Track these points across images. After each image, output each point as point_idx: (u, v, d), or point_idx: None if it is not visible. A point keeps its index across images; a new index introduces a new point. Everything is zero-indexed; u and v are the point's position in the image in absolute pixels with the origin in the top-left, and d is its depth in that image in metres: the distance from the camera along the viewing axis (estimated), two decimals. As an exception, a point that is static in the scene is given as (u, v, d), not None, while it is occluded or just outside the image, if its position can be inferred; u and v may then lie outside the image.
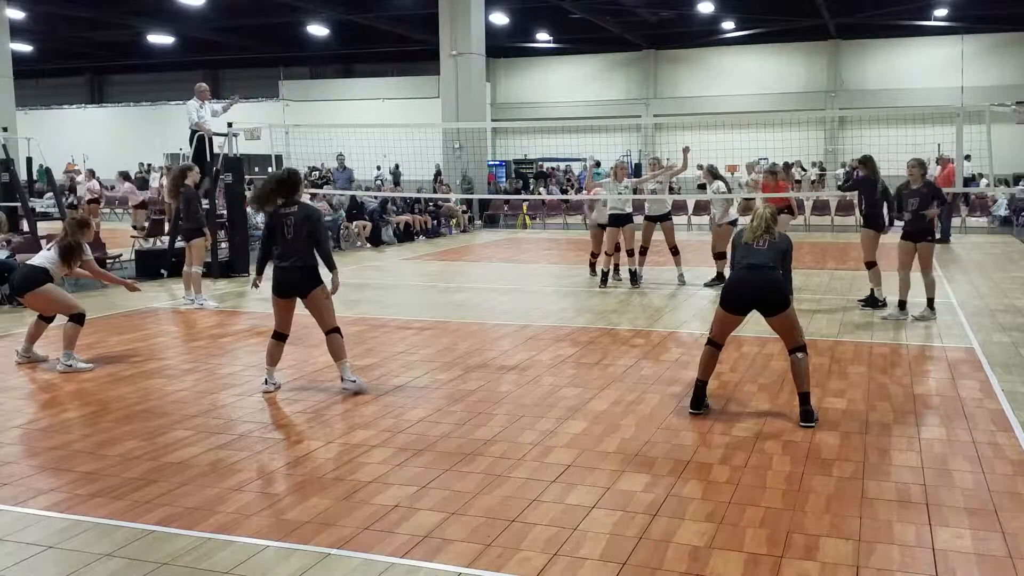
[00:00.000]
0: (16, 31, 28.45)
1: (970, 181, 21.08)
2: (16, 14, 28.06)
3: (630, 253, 12.30)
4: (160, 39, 36.95)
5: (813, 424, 5.80)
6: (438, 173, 32.86)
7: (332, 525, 4.31)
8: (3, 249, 11.47)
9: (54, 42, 39.09)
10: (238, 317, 10.50)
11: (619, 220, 12.09)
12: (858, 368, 7.42)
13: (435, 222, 21.67)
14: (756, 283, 6.04)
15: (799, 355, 5.92)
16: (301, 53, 41.70)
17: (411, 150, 22.89)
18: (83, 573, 3.87)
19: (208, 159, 13.98)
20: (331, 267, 6.68)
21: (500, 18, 31.20)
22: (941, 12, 31.72)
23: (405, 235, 20.01)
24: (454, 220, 22.63)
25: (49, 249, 7.94)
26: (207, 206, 14.10)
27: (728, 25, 35.12)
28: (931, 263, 9.58)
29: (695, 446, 5.45)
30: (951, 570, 3.83)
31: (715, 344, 6.18)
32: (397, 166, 33.64)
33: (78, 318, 7.64)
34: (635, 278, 12.19)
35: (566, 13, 32.12)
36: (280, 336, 6.80)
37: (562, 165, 36.07)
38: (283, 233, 6.56)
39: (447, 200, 22.69)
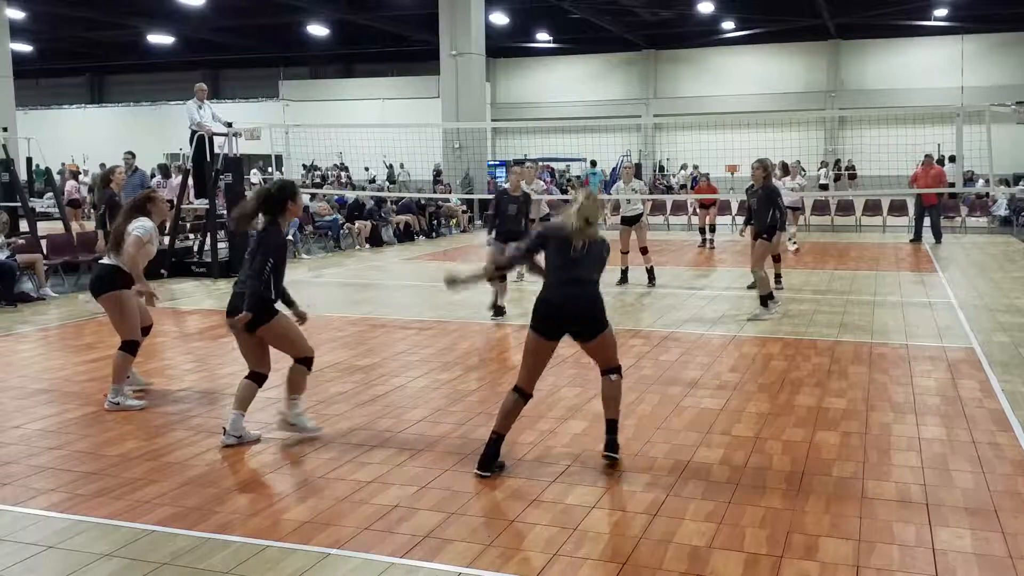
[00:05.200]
0: (16, 31, 28.45)
1: (967, 181, 21.13)
2: (16, 14, 28.05)
3: (643, 251, 12.38)
4: (160, 39, 36.95)
5: (618, 457, 5.08)
6: (438, 173, 32.87)
7: (332, 525, 4.31)
8: (3, 250, 11.47)
9: (54, 42, 39.09)
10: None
11: (628, 220, 12.45)
12: (858, 368, 7.42)
13: (435, 222, 21.67)
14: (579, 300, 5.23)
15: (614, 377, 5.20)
16: (301, 53, 41.72)
17: (411, 150, 22.90)
18: (83, 573, 3.87)
19: (208, 159, 13.98)
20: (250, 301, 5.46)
21: (500, 18, 31.20)
22: (941, 12, 31.72)
23: (405, 235, 20.01)
24: (454, 220, 22.62)
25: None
26: (207, 206, 14.11)
27: (728, 25, 35.12)
28: (761, 262, 9.90)
29: (695, 446, 5.45)
30: (951, 570, 3.83)
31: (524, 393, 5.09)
32: (394, 166, 33.71)
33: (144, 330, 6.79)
34: (651, 276, 12.33)
35: (566, 13, 32.12)
36: (255, 376, 5.65)
37: (561, 165, 36.07)
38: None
39: (447, 200, 22.69)
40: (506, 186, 14.30)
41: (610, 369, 5.25)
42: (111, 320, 6.65)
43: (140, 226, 6.50)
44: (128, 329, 6.50)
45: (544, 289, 5.29)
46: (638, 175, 33.59)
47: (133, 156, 15.82)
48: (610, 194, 14.11)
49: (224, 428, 5.59)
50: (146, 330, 6.86)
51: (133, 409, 6.38)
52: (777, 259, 12.26)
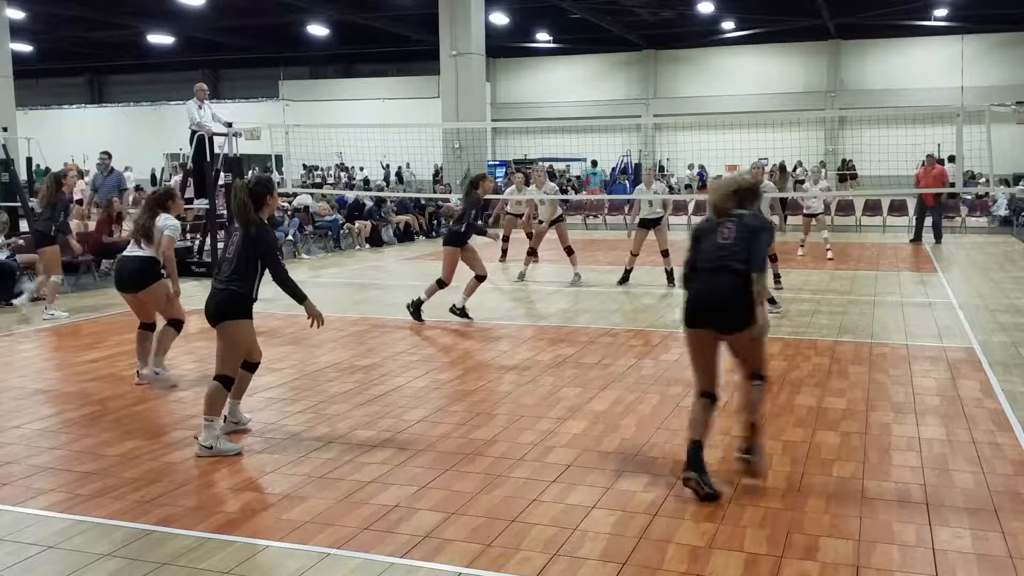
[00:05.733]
0: (16, 31, 28.44)
1: (967, 182, 21.11)
2: (16, 14, 28.06)
3: (664, 253, 12.40)
4: (160, 39, 36.97)
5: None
6: (437, 173, 32.86)
7: (332, 525, 4.31)
8: (3, 250, 11.47)
9: (54, 42, 39.10)
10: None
11: (648, 223, 12.52)
12: (858, 368, 7.41)
13: (435, 222, 21.66)
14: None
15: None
16: (301, 53, 41.75)
17: (411, 150, 22.90)
18: (83, 573, 3.87)
19: (208, 159, 13.97)
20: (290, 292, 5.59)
21: (500, 18, 31.21)
22: (941, 12, 31.73)
23: (405, 235, 20.01)
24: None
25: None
26: (207, 206, 14.10)
27: (728, 25, 35.14)
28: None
29: (695, 446, 5.44)
30: (951, 570, 3.83)
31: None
32: (401, 167, 33.71)
33: (178, 325, 7.21)
34: (671, 277, 12.34)
35: (566, 13, 32.14)
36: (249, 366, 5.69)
37: (561, 165, 36.09)
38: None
39: (447, 200, 22.69)
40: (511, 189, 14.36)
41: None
42: (156, 307, 7.16)
43: (172, 225, 7.03)
44: (177, 309, 7.18)
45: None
46: (638, 175, 33.75)
47: (109, 156, 15.57)
48: (609, 194, 14.11)
49: (224, 416, 5.61)
50: (178, 324, 7.28)
51: (167, 384, 6.98)
52: (774, 259, 12.24)
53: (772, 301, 9.63)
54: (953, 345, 8.27)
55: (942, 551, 3.99)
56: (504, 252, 15.16)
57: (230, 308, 5.37)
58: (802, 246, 15.29)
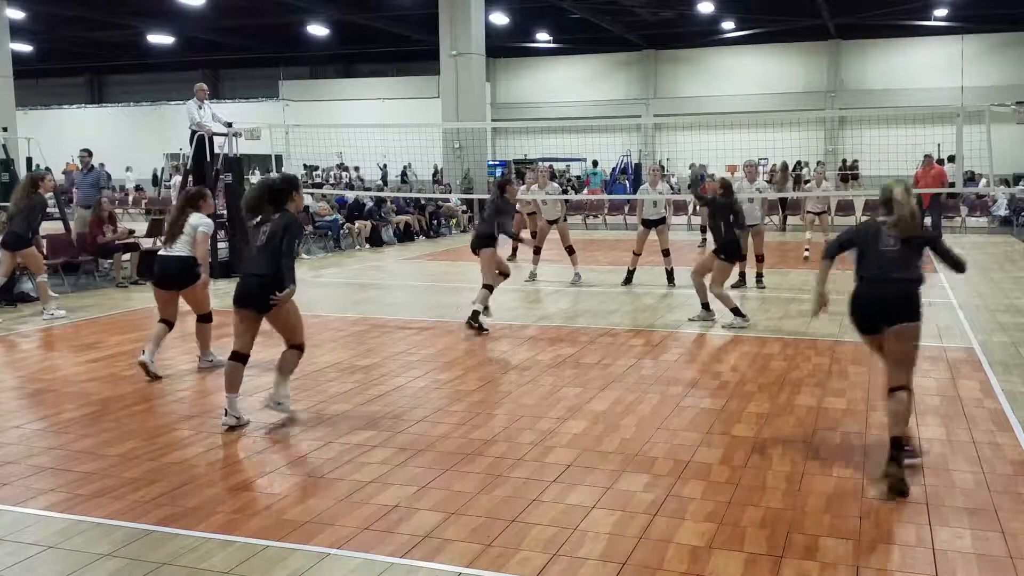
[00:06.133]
0: (16, 31, 28.41)
1: (967, 181, 21.10)
2: (16, 14, 28.04)
3: (665, 253, 12.40)
4: (160, 39, 36.95)
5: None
6: (435, 173, 32.81)
7: (332, 525, 4.31)
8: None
9: (54, 42, 39.08)
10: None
11: (650, 223, 12.52)
12: (858, 368, 7.41)
13: (435, 222, 21.66)
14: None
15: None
16: (301, 53, 41.73)
17: (411, 150, 22.88)
18: (83, 573, 3.87)
19: (208, 159, 13.97)
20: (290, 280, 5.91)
21: (500, 18, 31.20)
22: (941, 12, 31.71)
23: (405, 235, 20.01)
24: (454, 220, 22.63)
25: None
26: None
27: (728, 25, 35.13)
28: (720, 283, 9.33)
29: (695, 446, 5.45)
30: (951, 570, 3.83)
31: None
32: (385, 167, 33.67)
33: (207, 318, 7.71)
34: (671, 277, 12.36)
35: (566, 13, 32.13)
36: (241, 358, 6.07)
37: (561, 165, 36.09)
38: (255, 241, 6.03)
39: (447, 200, 22.70)
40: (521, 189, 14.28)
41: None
42: (195, 301, 7.60)
43: (206, 223, 7.41)
44: (207, 304, 7.67)
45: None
46: (638, 176, 33.76)
47: (90, 154, 15.31)
48: (609, 194, 14.13)
49: (225, 410, 5.95)
50: (207, 317, 7.72)
51: (219, 366, 7.27)
52: (760, 259, 12.23)
53: (737, 312, 9.36)
54: (953, 345, 8.27)
55: (942, 551, 3.99)
56: (515, 250, 15.12)
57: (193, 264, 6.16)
58: (807, 249, 15.16)
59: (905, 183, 5.24)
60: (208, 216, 7.54)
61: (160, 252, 7.62)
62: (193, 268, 7.36)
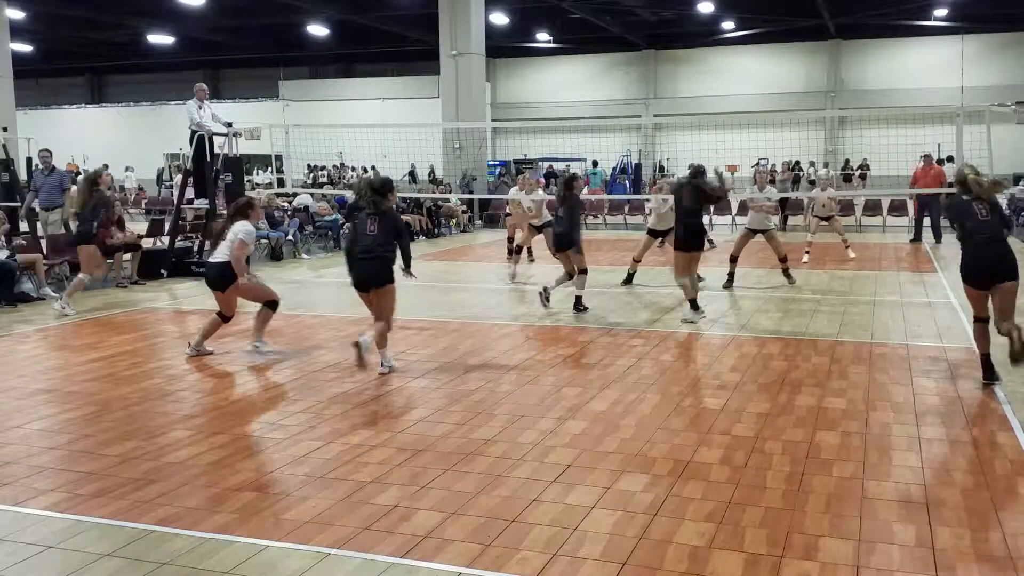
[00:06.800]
0: (16, 31, 28.42)
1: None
2: (16, 14, 28.04)
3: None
4: (160, 39, 36.95)
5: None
6: (431, 172, 32.81)
7: (332, 525, 4.31)
8: (3, 250, 11.47)
9: (54, 42, 39.08)
10: (238, 317, 10.47)
11: (657, 233, 12.76)
12: (858, 368, 7.42)
13: (435, 221, 21.65)
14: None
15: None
16: (301, 53, 41.73)
17: (411, 150, 22.89)
18: (83, 573, 3.87)
19: (208, 159, 13.97)
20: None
21: (500, 18, 31.20)
22: (941, 12, 31.72)
23: (405, 235, 19.97)
24: (454, 220, 22.63)
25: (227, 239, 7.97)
26: (207, 205, 14.10)
27: (728, 25, 35.13)
28: (686, 272, 9.73)
29: (695, 446, 5.45)
30: (951, 570, 3.83)
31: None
32: (375, 169, 33.60)
33: (273, 305, 8.16)
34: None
35: (566, 13, 32.13)
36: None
37: (561, 165, 36.09)
38: (366, 231, 7.37)
39: (447, 200, 22.70)
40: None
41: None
42: (224, 301, 8.02)
43: (246, 230, 7.87)
44: (265, 292, 8.13)
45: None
46: (638, 176, 33.76)
47: (50, 154, 14.88)
48: (609, 194, 14.15)
49: (380, 362, 7.35)
50: (274, 304, 8.18)
51: (271, 355, 7.95)
52: (784, 259, 12.20)
53: (694, 305, 9.57)
54: (953, 345, 8.27)
55: (942, 551, 3.99)
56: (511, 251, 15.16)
57: (390, 272, 7.35)
58: (807, 252, 15.10)
59: (973, 167, 6.90)
60: (255, 223, 8.20)
61: (208, 258, 8.29)
62: (227, 272, 7.85)
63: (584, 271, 10.23)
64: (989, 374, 6.83)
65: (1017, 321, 6.69)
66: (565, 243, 10.17)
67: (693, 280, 9.75)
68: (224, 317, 8.14)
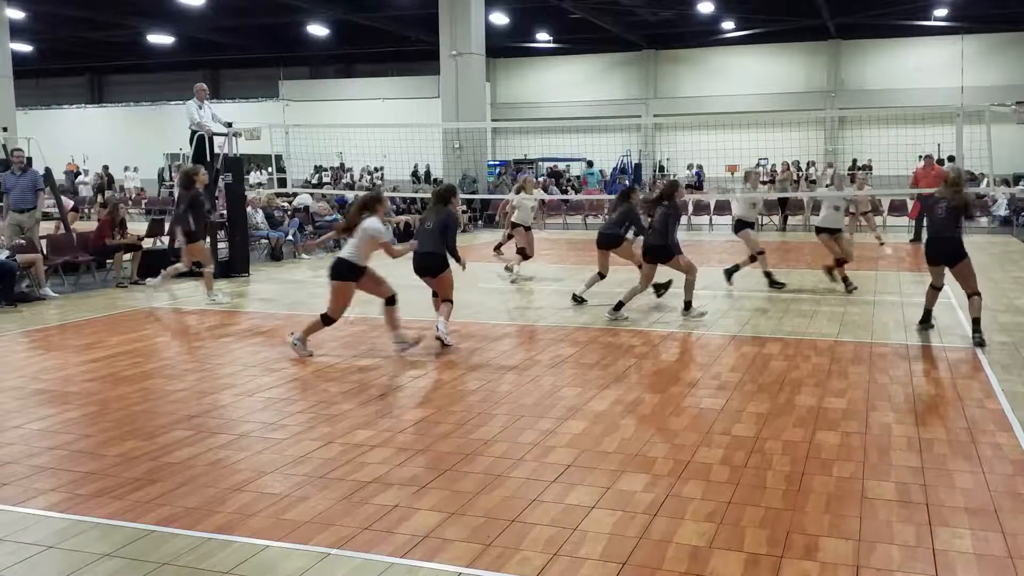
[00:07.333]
0: (16, 31, 28.43)
1: (969, 181, 21.09)
2: (16, 14, 28.05)
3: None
4: (160, 39, 36.95)
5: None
6: (427, 172, 32.74)
7: (332, 525, 4.31)
8: (3, 250, 11.47)
9: (54, 42, 39.09)
10: (238, 317, 10.50)
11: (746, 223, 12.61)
12: (858, 368, 7.42)
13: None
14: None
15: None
16: (301, 53, 41.72)
17: (411, 151, 22.88)
18: (83, 573, 3.87)
19: (208, 159, 13.97)
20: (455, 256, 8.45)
21: (500, 18, 31.20)
22: (941, 12, 31.72)
23: (405, 235, 19.98)
24: (454, 220, 22.60)
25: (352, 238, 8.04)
26: (207, 206, 14.09)
27: (728, 25, 35.13)
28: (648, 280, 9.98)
29: (695, 446, 5.45)
30: (951, 570, 3.83)
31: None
32: (373, 169, 33.65)
33: (392, 300, 8.12)
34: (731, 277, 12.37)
35: (566, 13, 32.12)
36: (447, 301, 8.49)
37: (561, 165, 36.10)
38: (423, 228, 8.55)
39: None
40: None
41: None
42: (368, 290, 8.13)
43: (374, 228, 7.95)
44: (385, 288, 8.13)
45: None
46: (638, 176, 33.74)
47: (23, 152, 14.09)
48: (609, 194, 14.18)
49: (437, 326, 8.23)
50: (392, 299, 8.20)
51: (408, 348, 8.10)
52: (841, 263, 11.92)
53: (619, 307, 9.71)
54: (953, 345, 8.28)
55: (942, 551, 3.99)
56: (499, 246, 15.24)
57: (445, 262, 8.35)
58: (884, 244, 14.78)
59: (960, 173, 8.88)
60: (381, 215, 8.31)
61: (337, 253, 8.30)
62: (348, 269, 7.90)
63: (692, 274, 9.91)
64: (925, 320, 8.91)
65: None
66: (662, 254, 9.79)
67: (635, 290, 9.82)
68: (327, 319, 8.07)
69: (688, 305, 9.92)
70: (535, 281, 12.98)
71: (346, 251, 7.98)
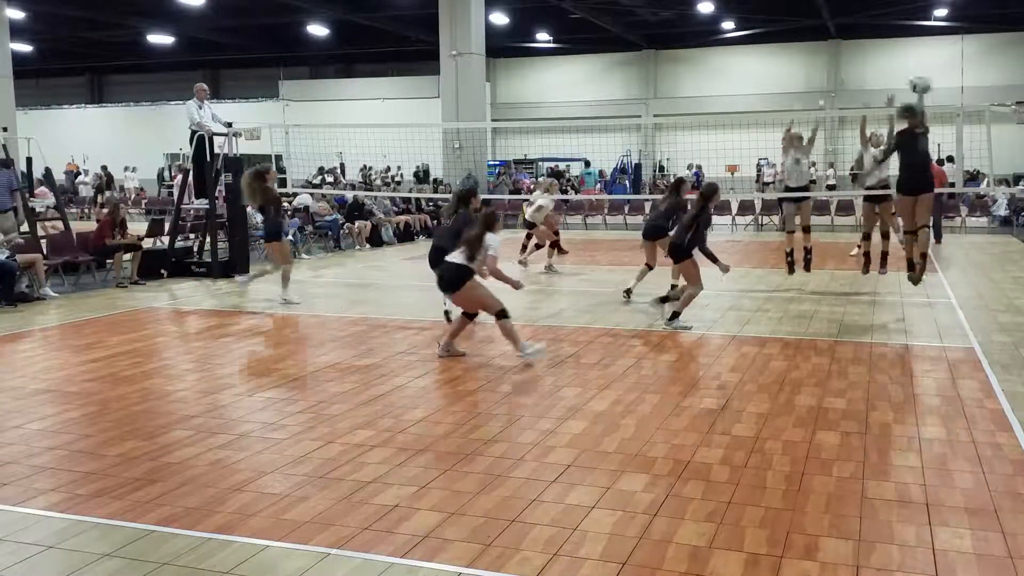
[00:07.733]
0: (16, 31, 28.44)
1: (970, 180, 21.12)
2: (16, 14, 28.05)
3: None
4: (160, 39, 36.95)
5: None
6: (426, 172, 32.70)
7: (332, 525, 4.31)
8: (3, 249, 11.47)
9: (54, 42, 39.08)
10: (238, 317, 10.50)
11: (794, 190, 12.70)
12: (858, 368, 7.42)
13: (436, 222, 21.64)
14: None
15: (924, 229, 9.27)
16: (301, 53, 41.70)
17: (411, 151, 22.88)
18: (83, 573, 3.87)
19: (208, 159, 13.97)
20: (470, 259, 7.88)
21: (500, 18, 31.19)
22: (941, 12, 31.71)
23: (405, 235, 20.01)
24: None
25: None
26: (207, 206, 14.10)
27: (728, 25, 35.12)
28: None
29: (695, 446, 5.45)
30: (951, 570, 3.83)
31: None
32: (370, 169, 33.66)
33: (503, 314, 7.85)
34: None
35: (566, 13, 32.12)
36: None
37: (561, 165, 36.11)
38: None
39: (446, 200, 22.69)
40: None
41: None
42: (473, 302, 7.97)
43: (494, 245, 7.92)
44: (493, 303, 7.90)
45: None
46: (638, 176, 33.74)
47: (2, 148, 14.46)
48: (609, 194, 14.20)
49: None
50: (472, 317, 8.22)
51: (534, 358, 7.74)
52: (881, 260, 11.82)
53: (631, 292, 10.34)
54: (953, 345, 8.28)
55: (942, 551, 3.99)
56: (524, 248, 15.12)
57: (463, 274, 7.76)
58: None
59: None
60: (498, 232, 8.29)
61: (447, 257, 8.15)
62: (464, 275, 7.81)
63: (695, 289, 9.57)
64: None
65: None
66: (676, 252, 9.53)
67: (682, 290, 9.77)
68: (470, 316, 8.17)
69: (676, 315, 9.34)
70: (535, 281, 12.98)
71: (457, 258, 7.87)
